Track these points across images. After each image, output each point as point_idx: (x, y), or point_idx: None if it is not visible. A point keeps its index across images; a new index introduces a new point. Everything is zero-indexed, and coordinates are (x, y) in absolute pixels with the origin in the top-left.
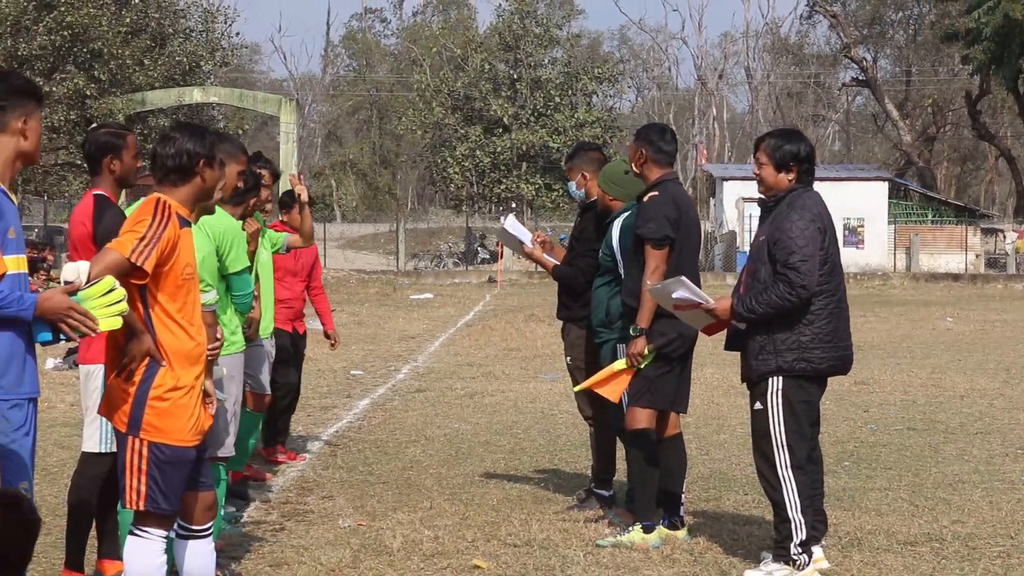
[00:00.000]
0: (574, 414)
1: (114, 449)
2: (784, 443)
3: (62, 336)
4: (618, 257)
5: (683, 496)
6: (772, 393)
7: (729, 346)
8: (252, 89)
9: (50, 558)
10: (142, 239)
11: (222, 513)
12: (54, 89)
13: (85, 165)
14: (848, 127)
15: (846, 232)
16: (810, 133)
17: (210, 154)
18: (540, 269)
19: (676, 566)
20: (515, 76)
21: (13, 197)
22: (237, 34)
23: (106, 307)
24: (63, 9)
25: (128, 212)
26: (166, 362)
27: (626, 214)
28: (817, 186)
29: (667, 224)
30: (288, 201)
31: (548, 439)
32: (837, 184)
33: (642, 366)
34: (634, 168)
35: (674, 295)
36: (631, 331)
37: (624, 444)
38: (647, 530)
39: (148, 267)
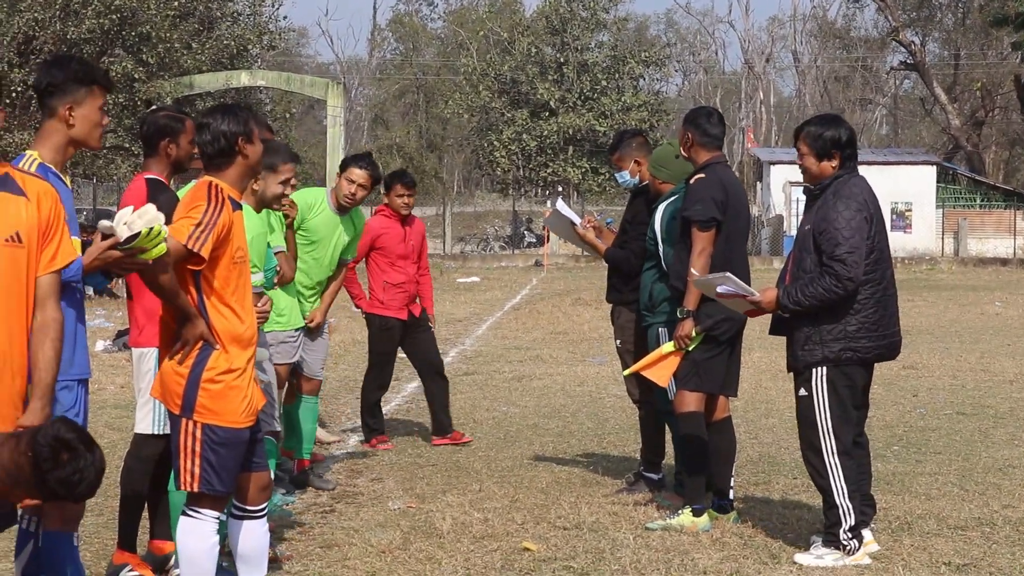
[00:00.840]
0: (622, 397)
1: (166, 431)
2: (830, 430)
3: (114, 275)
4: (659, 241)
5: (732, 479)
6: (817, 380)
7: (774, 331)
8: (299, 73)
9: (102, 538)
10: (198, 225)
11: (276, 499)
12: None
13: (133, 148)
14: (896, 111)
15: (894, 216)
16: (857, 117)
17: (247, 130)
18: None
19: (726, 549)
20: (562, 60)
21: (67, 180)
22: (285, 18)
23: (150, 242)
24: None
25: (180, 195)
26: (220, 345)
27: (672, 198)
28: (864, 170)
29: (713, 206)
30: (389, 182)
31: (596, 422)
32: (885, 168)
33: (690, 348)
34: (682, 152)
35: (719, 289)
36: (678, 313)
37: (672, 427)
38: (696, 513)
39: (205, 253)
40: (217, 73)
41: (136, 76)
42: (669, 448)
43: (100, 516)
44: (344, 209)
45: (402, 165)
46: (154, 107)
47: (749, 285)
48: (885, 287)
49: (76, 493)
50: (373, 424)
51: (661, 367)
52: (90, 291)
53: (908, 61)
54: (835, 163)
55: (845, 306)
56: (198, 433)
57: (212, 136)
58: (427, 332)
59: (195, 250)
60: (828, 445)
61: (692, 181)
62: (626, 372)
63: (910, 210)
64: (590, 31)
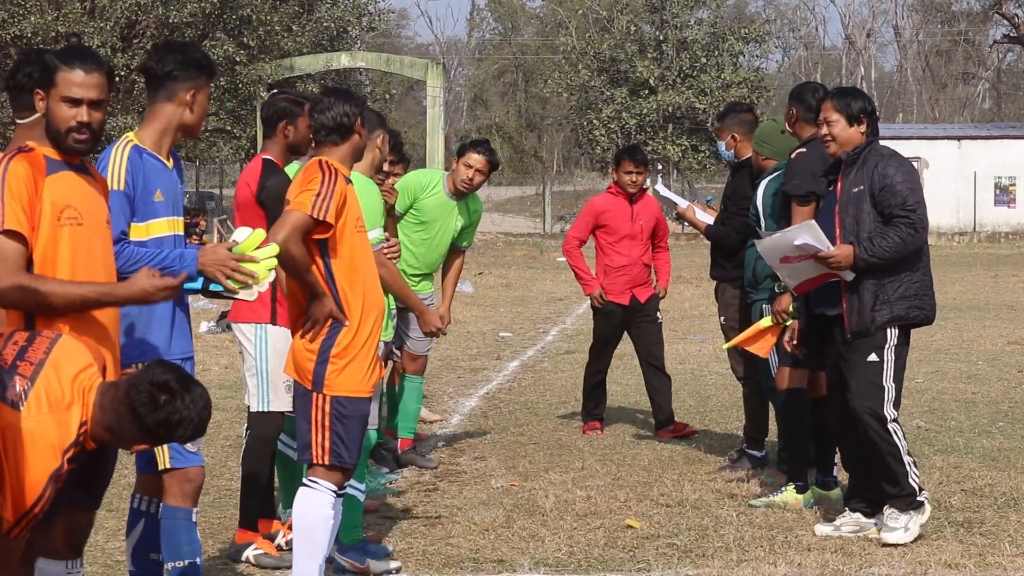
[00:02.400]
0: (724, 375)
1: (274, 407)
2: (892, 396)
3: (214, 286)
4: (762, 217)
5: (836, 456)
6: (889, 346)
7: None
8: (399, 54)
9: (208, 517)
10: (318, 195)
11: (380, 478)
12: None
13: (235, 131)
14: (999, 84)
15: (997, 191)
16: (960, 91)
17: (363, 113)
18: (687, 230)
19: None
20: (661, 37)
21: (168, 162)
22: None
23: (258, 251)
24: None
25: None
26: (348, 321)
27: (775, 174)
28: (968, 145)
29: (812, 180)
30: (618, 158)
31: (698, 400)
32: (989, 142)
33: (788, 323)
34: (787, 127)
35: (797, 241)
36: (776, 288)
37: (775, 404)
38: (800, 490)
39: (330, 218)
40: (317, 55)
41: (237, 59)
42: (772, 425)
43: (206, 495)
44: (461, 194)
45: (501, 145)
46: (276, 91)
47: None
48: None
49: (178, 434)
50: (590, 408)
51: (761, 341)
52: None
53: (1011, 34)
54: (863, 128)
55: (908, 264)
56: (327, 407)
57: (335, 112)
58: (652, 323)
59: (320, 217)
60: (889, 411)
61: (793, 156)
62: (725, 346)
63: (1014, 184)
64: (689, 8)
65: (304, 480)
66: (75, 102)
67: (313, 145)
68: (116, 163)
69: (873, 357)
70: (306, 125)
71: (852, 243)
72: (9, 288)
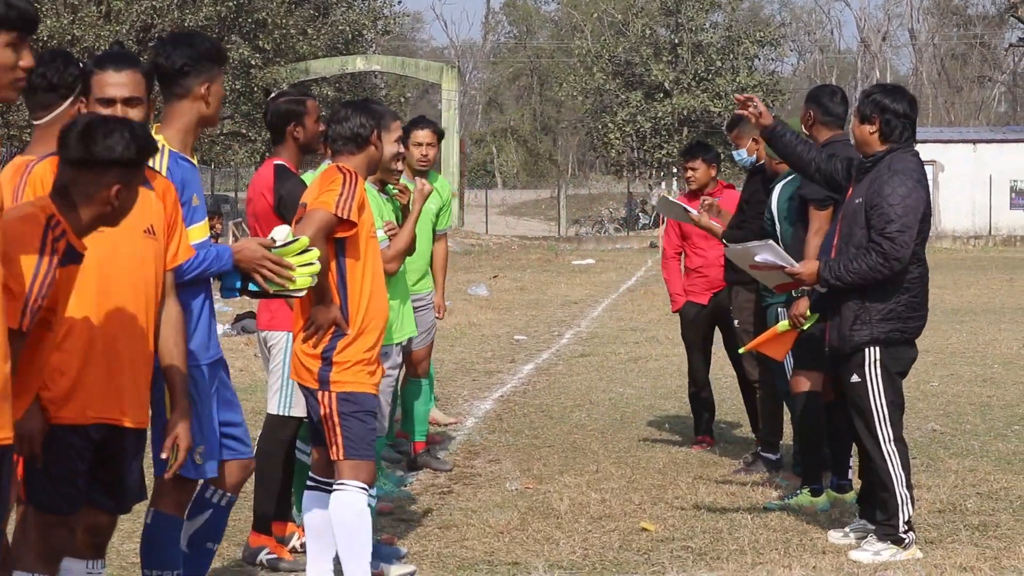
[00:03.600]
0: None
1: (292, 413)
2: (887, 416)
3: (252, 286)
4: (776, 221)
5: (851, 459)
6: (870, 364)
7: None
8: (414, 57)
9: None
10: (340, 195)
11: (394, 481)
12: None
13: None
14: (1015, 88)
15: (1013, 195)
16: (975, 95)
17: (379, 125)
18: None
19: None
20: (676, 40)
21: (194, 161)
22: (399, 2)
23: (301, 266)
24: None
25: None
26: (350, 330)
27: (789, 177)
28: (983, 148)
29: None
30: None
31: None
32: (1004, 146)
33: (805, 327)
34: (803, 129)
35: (757, 258)
36: (793, 292)
37: (790, 407)
38: (815, 493)
39: (354, 216)
40: (332, 59)
41: (252, 63)
42: (788, 428)
43: None
44: (422, 175)
45: (516, 148)
46: (273, 94)
47: None
48: (926, 264)
49: (110, 143)
50: (696, 423)
51: (777, 344)
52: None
53: None
54: (874, 129)
55: (895, 284)
56: (334, 404)
57: (352, 123)
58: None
59: (344, 215)
60: (884, 432)
61: None
62: (742, 349)
63: None
64: (704, 11)
65: (333, 483)
66: (108, 102)
67: (330, 155)
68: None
69: (855, 378)
70: (313, 121)
71: (820, 260)
72: None
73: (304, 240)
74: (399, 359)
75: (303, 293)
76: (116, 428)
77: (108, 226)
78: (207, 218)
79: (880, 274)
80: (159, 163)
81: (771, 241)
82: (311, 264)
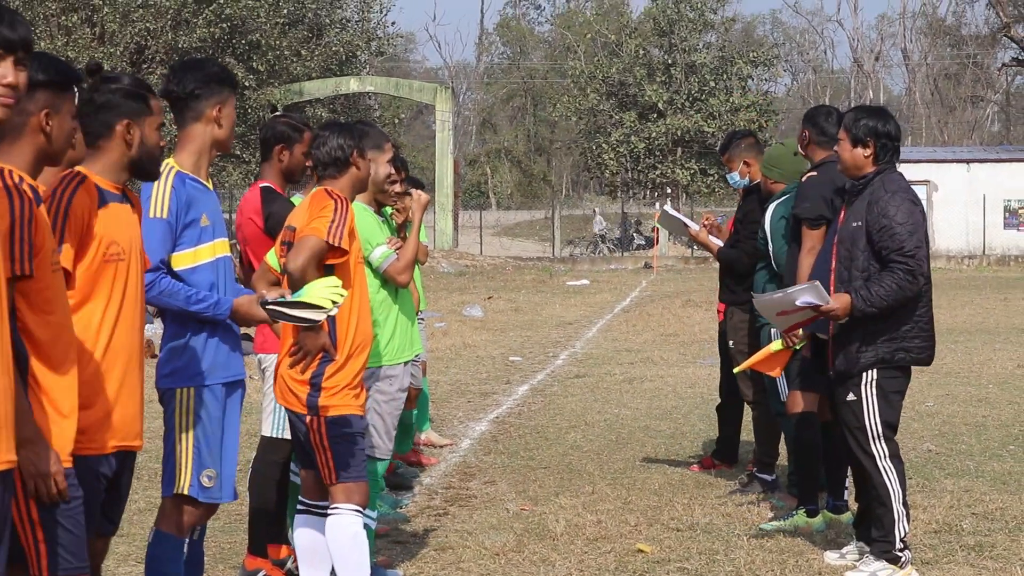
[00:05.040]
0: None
1: (286, 435)
2: (881, 434)
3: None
4: (769, 240)
5: (847, 480)
6: (867, 384)
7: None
8: (407, 78)
9: (218, 542)
10: (332, 221)
11: (391, 503)
12: None
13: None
14: (1008, 107)
15: (1007, 215)
16: (968, 115)
17: (360, 145)
18: (697, 254)
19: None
20: (669, 61)
21: (208, 184)
22: (392, 23)
23: (326, 289)
24: (222, 2)
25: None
26: (338, 356)
27: (783, 198)
28: (976, 168)
29: (823, 204)
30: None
31: (708, 424)
32: (997, 165)
33: (798, 347)
34: (800, 149)
35: (799, 301)
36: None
37: (785, 428)
38: (811, 514)
39: (345, 244)
40: (326, 80)
41: (247, 84)
42: (783, 449)
43: (216, 520)
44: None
45: (510, 169)
46: (278, 113)
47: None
48: (930, 286)
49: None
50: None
51: (770, 362)
52: None
53: (1020, 57)
54: (868, 152)
55: (899, 306)
56: (323, 429)
57: (329, 146)
58: None
59: (335, 243)
60: (880, 449)
61: (803, 179)
62: (736, 369)
63: (1023, 208)
64: (697, 32)
65: (327, 508)
66: None
67: (316, 179)
68: (160, 190)
69: (851, 396)
70: (302, 152)
71: (849, 293)
72: None
73: (333, 280)
74: (407, 381)
75: (333, 312)
76: (130, 452)
77: (51, 165)
78: (219, 239)
79: (910, 291)
80: (164, 181)
81: (817, 282)
82: (337, 287)
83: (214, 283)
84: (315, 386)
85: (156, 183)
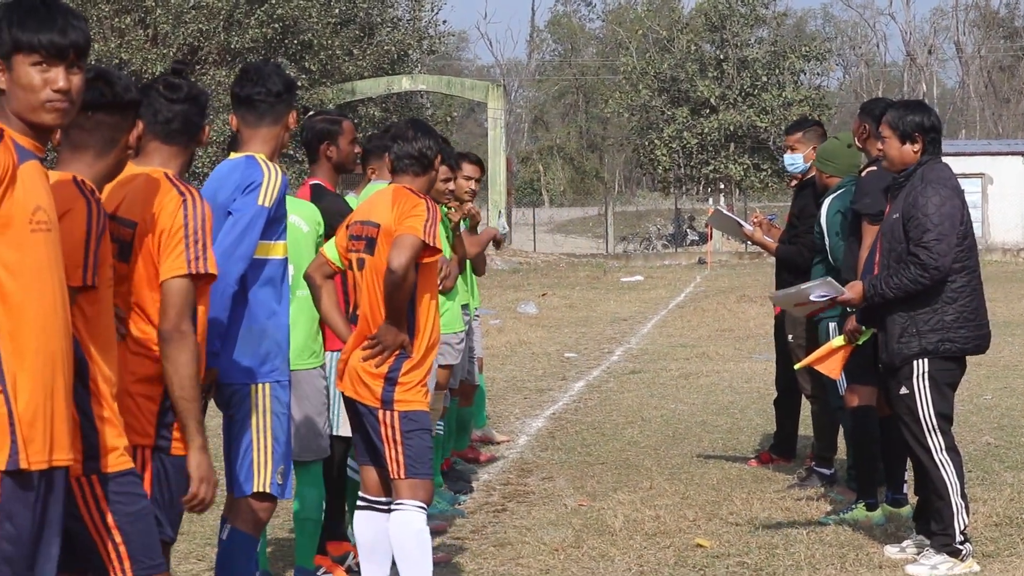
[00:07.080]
0: None
1: (341, 433)
2: (936, 426)
3: None
4: (826, 235)
5: (906, 473)
6: (918, 376)
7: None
8: (459, 76)
9: (279, 540)
10: (427, 221)
11: (447, 498)
12: None
13: (297, 155)
14: None
15: None
16: (1022, 106)
17: (440, 149)
18: (751, 249)
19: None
20: (721, 56)
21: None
22: (444, 22)
23: None
24: (274, 2)
25: (356, 200)
26: (415, 353)
27: (838, 192)
28: None
29: (883, 199)
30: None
31: (766, 419)
32: None
33: (860, 342)
34: (857, 143)
35: (813, 296)
36: (848, 307)
37: (844, 422)
38: (870, 508)
39: (438, 243)
40: (378, 79)
41: (299, 84)
42: (842, 443)
43: (276, 517)
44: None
45: (563, 166)
46: (311, 112)
47: None
48: (979, 276)
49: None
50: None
51: (832, 361)
52: None
53: None
54: (917, 147)
55: (940, 295)
56: (396, 423)
57: (420, 145)
58: None
59: (430, 242)
60: (936, 442)
61: (863, 174)
62: (797, 366)
63: None
64: (749, 27)
65: (391, 504)
66: None
67: (392, 173)
68: (271, 179)
69: (903, 390)
70: (347, 142)
71: (864, 280)
72: None
73: None
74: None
75: None
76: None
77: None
78: (285, 240)
79: (921, 284)
80: (276, 171)
81: (829, 277)
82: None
83: (273, 279)
84: (391, 380)
85: (267, 172)
